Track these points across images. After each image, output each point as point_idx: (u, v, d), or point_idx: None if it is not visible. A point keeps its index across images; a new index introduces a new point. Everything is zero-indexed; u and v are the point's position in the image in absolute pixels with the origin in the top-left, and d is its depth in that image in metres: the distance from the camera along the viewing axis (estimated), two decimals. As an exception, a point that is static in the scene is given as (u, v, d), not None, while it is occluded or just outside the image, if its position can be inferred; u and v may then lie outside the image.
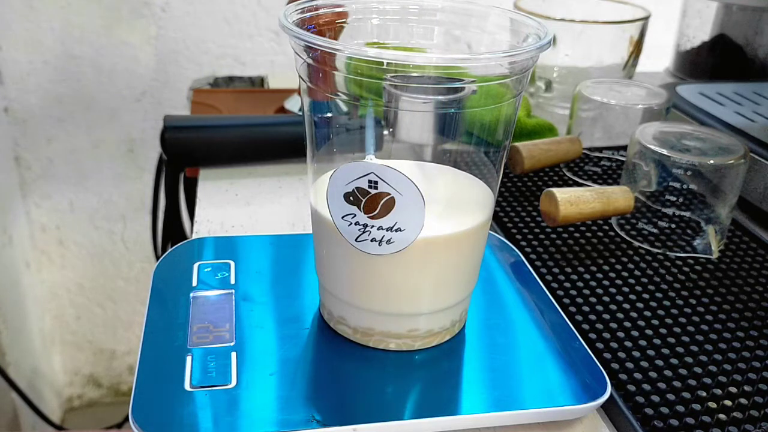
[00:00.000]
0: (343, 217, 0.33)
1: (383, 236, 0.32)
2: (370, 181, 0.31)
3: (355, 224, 0.32)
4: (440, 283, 0.35)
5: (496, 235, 0.48)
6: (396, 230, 0.32)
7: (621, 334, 0.39)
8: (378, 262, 0.33)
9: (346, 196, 0.32)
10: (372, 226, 0.32)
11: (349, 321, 0.36)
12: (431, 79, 0.31)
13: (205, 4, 1.01)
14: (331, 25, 0.35)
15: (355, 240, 0.33)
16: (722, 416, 0.34)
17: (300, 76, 0.33)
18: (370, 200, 0.31)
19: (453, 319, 0.37)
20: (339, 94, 0.32)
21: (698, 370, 0.37)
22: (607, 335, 0.39)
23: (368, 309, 0.35)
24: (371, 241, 0.32)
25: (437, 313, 0.36)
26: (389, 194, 0.31)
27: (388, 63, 0.29)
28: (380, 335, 0.36)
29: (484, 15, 0.36)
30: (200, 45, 1.04)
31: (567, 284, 0.43)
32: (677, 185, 0.49)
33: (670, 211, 0.49)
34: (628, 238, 0.49)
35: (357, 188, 0.31)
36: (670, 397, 0.35)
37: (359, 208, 0.32)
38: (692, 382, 0.36)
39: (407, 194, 0.31)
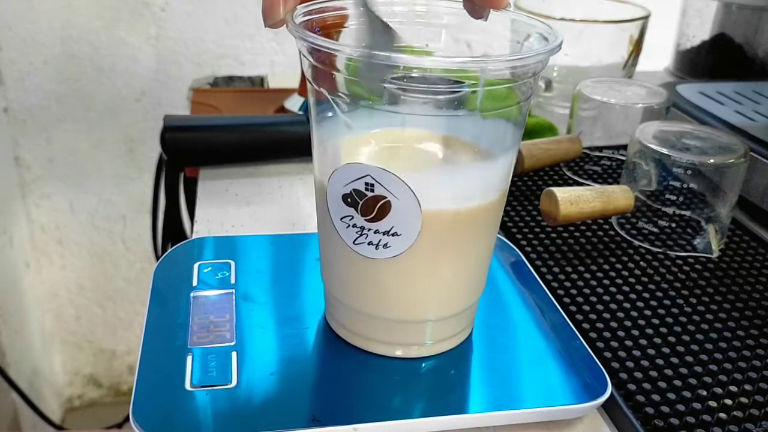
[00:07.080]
0: (341, 219, 0.32)
1: (380, 240, 0.32)
2: (366, 184, 0.31)
3: (353, 226, 0.32)
4: (442, 290, 0.34)
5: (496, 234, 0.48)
6: (393, 234, 0.32)
7: (621, 334, 0.39)
8: (375, 267, 0.33)
9: (344, 198, 0.32)
10: (369, 229, 0.32)
11: (354, 329, 0.36)
12: (433, 81, 0.31)
13: (205, 4, 1.01)
14: (338, 27, 0.35)
15: (353, 242, 0.32)
16: (723, 415, 0.34)
17: (305, 77, 0.33)
18: (366, 203, 0.31)
19: (457, 328, 0.37)
20: (340, 94, 0.32)
21: (699, 369, 0.37)
22: (607, 334, 0.39)
23: (369, 314, 0.35)
24: (368, 244, 0.32)
25: (440, 322, 0.35)
26: (385, 197, 0.31)
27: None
28: (382, 343, 0.36)
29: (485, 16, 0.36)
30: (200, 45, 1.04)
31: (567, 283, 0.43)
32: (677, 184, 0.49)
33: (670, 210, 0.49)
34: (628, 238, 0.49)
35: (354, 190, 0.31)
36: (671, 396, 0.35)
37: (356, 210, 0.32)
38: (693, 381, 0.36)
39: (403, 199, 0.31)
